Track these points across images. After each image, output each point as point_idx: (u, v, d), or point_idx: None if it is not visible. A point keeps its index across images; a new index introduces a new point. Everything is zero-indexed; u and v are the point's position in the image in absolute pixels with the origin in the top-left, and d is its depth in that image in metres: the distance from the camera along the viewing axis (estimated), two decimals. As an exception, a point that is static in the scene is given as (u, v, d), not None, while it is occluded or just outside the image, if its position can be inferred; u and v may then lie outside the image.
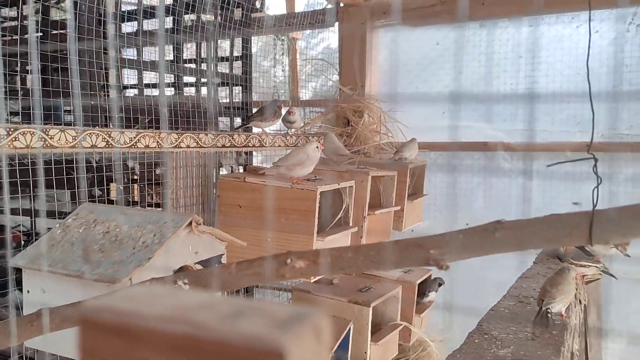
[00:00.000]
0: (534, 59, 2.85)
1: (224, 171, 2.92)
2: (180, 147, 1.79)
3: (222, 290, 1.10)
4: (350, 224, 2.14)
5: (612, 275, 1.74)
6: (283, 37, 3.72)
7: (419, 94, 3.09)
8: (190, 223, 1.34)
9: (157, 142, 1.70)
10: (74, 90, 1.82)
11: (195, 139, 1.86)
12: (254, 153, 3.19)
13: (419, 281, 2.75)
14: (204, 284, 0.95)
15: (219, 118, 3.03)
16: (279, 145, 2.38)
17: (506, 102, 2.95)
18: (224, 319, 0.27)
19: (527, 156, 2.90)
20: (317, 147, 1.92)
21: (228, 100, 3.02)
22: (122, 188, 1.87)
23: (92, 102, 1.90)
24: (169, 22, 2.80)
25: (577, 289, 1.82)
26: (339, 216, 2.05)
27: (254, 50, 3.81)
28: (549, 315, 1.43)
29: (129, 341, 0.28)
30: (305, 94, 3.75)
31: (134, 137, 1.61)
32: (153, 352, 0.28)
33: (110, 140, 1.54)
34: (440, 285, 2.82)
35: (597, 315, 2.82)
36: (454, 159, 3.04)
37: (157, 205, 2.05)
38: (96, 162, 1.94)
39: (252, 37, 3.30)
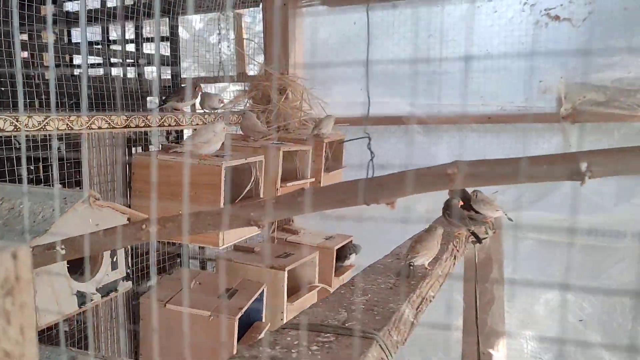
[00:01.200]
0: (442, 37, 3.05)
1: (153, 149, 3.06)
2: (92, 128, 1.93)
3: (94, 253, 1.27)
4: (261, 196, 2.33)
5: (477, 237, 1.98)
6: (228, 13, 3.81)
7: (338, 71, 3.27)
8: (89, 198, 1.50)
9: (67, 124, 1.83)
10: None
11: (107, 121, 2.00)
12: (186, 131, 3.33)
13: (337, 247, 2.97)
14: (77, 248, 1.12)
15: (148, 98, 3.15)
16: (197, 124, 2.53)
17: (418, 79, 3.16)
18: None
19: (437, 128, 3.14)
20: (224, 127, 2.08)
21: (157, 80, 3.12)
22: (32, 168, 2.00)
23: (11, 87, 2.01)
24: (96, 2, 2.88)
25: (455, 246, 2.06)
26: (247, 189, 2.24)
27: (200, 26, 3.90)
28: (412, 267, 1.66)
29: None
30: (252, 70, 3.87)
31: (43, 121, 1.75)
32: None
33: (17, 124, 1.67)
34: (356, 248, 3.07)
35: (498, 270, 3.12)
36: (372, 133, 3.24)
37: (77, 183, 2.18)
38: (16, 147, 2.06)
39: (195, 15, 3.41)
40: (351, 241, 3.13)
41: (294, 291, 2.73)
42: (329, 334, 1.24)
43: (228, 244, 2.15)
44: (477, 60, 2.99)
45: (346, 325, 1.29)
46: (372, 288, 1.56)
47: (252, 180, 2.25)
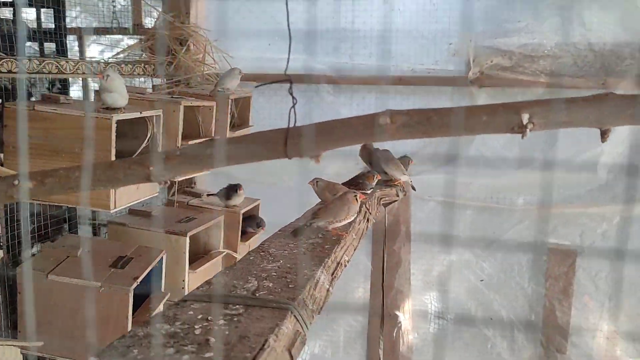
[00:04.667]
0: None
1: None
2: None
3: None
4: (160, 154, 2.10)
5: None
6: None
7: (245, 25, 3.05)
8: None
9: None
10: None
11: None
12: (71, 80, 2.95)
13: (244, 210, 2.82)
14: None
15: (28, 43, 2.75)
16: (83, 73, 2.23)
17: (329, 37, 3.03)
18: None
19: (347, 88, 3.04)
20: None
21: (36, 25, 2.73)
22: None
23: None
24: None
25: (367, 208, 1.98)
26: (143, 145, 2.00)
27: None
28: (305, 227, 1.56)
29: None
30: (150, 22, 3.50)
31: None
32: None
33: None
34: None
35: (405, 231, 3.13)
36: (281, 91, 3.08)
37: None
38: None
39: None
40: (258, 205, 2.99)
41: (196, 258, 2.55)
42: (237, 306, 1.10)
43: (120, 207, 1.92)
44: (389, 20, 2.91)
45: (257, 295, 1.16)
46: (284, 253, 1.44)
47: (148, 137, 2.02)
